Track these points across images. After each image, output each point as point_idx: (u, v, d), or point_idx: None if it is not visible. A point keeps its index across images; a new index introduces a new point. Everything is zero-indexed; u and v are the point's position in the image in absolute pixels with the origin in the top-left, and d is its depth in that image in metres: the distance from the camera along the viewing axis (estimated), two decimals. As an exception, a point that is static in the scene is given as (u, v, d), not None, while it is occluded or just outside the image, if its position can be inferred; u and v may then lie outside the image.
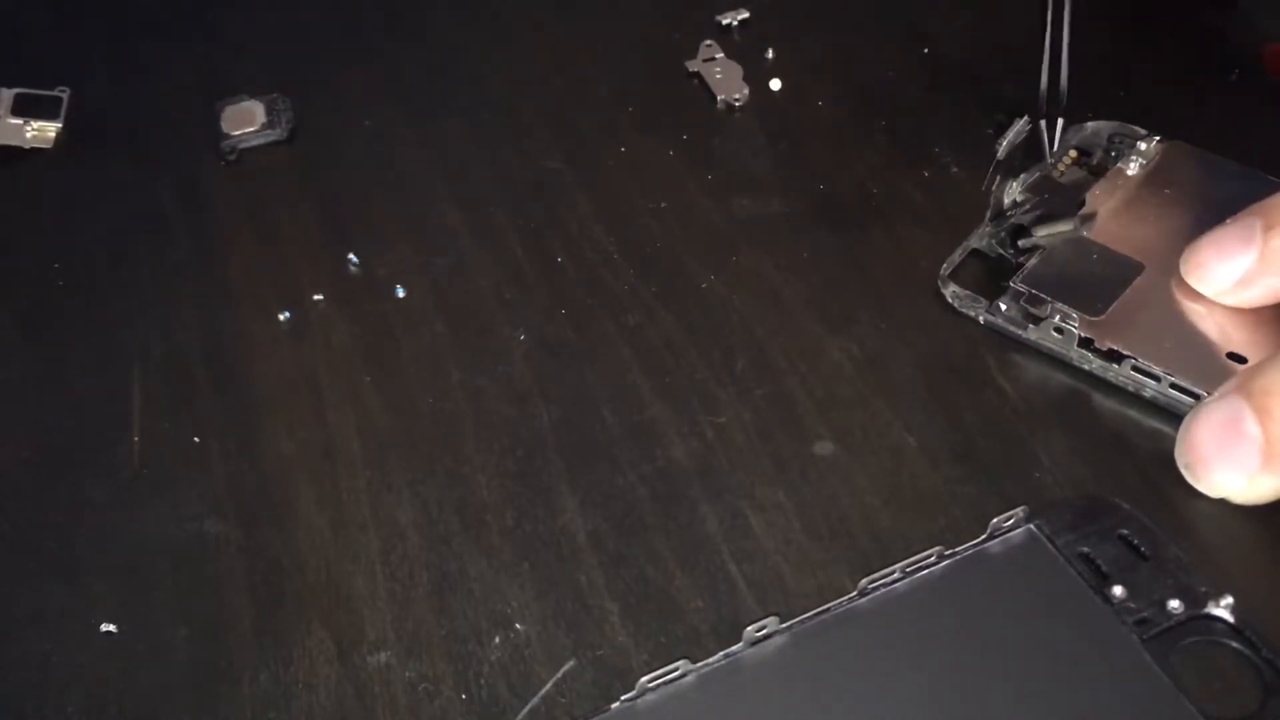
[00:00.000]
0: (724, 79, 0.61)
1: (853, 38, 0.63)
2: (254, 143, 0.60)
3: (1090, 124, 0.53)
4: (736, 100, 0.60)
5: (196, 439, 0.48)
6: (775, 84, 0.60)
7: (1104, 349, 0.46)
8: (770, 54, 0.62)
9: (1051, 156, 0.52)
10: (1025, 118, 0.51)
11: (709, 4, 0.64)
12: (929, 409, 0.47)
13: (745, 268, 0.53)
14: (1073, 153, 0.52)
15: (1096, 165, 0.52)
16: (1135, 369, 0.45)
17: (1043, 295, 0.47)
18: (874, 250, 0.53)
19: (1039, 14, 0.52)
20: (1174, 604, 0.39)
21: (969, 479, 0.45)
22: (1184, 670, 0.38)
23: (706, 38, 0.62)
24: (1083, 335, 0.46)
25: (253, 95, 0.61)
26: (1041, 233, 0.49)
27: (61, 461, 0.48)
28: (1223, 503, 0.43)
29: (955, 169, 0.56)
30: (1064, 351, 0.47)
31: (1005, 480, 0.45)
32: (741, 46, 0.62)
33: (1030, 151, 0.52)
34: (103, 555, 0.45)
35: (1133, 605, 0.40)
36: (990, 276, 0.50)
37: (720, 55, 0.62)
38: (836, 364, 0.49)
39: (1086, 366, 0.47)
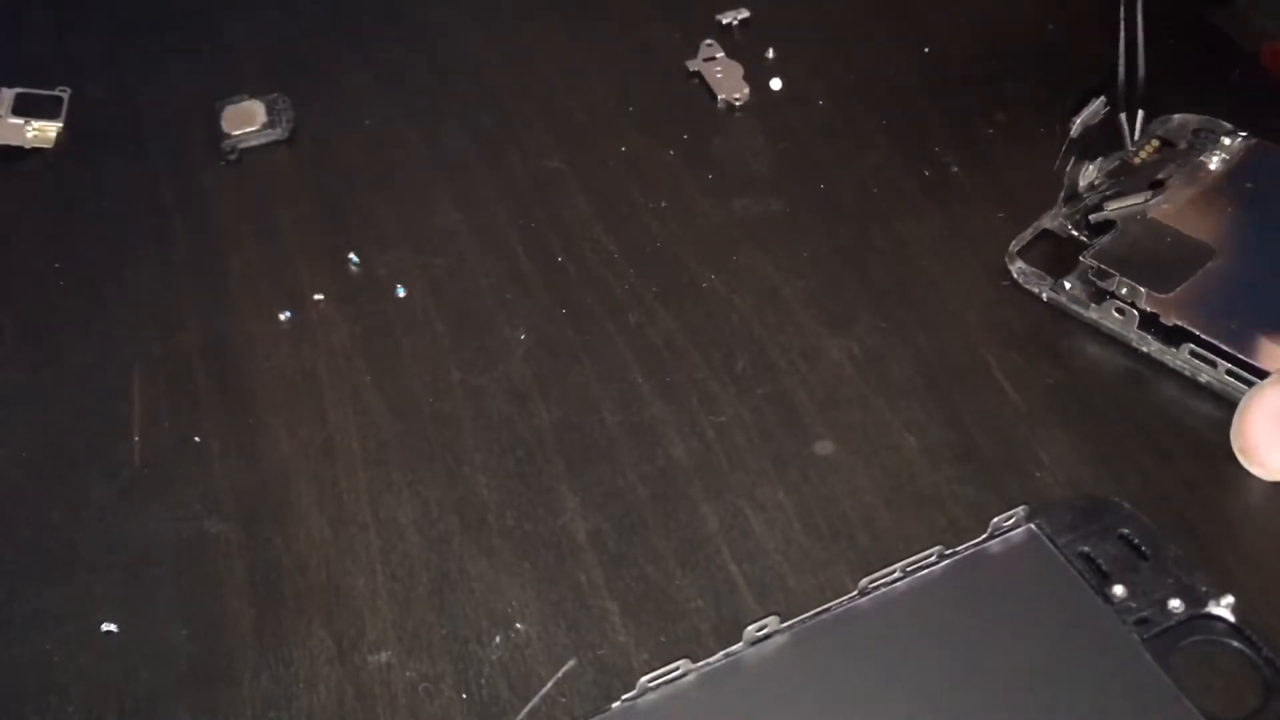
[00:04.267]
0: (724, 79, 0.60)
1: (853, 38, 0.63)
2: (254, 143, 0.60)
3: (1177, 116, 0.54)
4: (736, 100, 0.60)
5: (196, 439, 0.48)
6: (775, 84, 0.60)
7: (1169, 325, 0.46)
8: (770, 54, 0.62)
9: (1133, 145, 0.53)
10: (1102, 98, 0.52)
11: (709, 4, 0.64)
12: (929, 409, 0.47)
13: (745, 268, 0.53)
14: (1154, 142, 0.53)
15: (1179, 157, 0.52)
16: (1194, 354, 0.46)
17: (1111, 270, 0.47)
18: (874, 250, 0.53)
19: (1112, 11, 0.53)
20: (1174, 604, 0.39)
21: (969, 479, 0.45)
22: (1184, 670, 0.38)
23: (706, 37, 0.62)
24: (1148, 311, 0.46)
25: (253, 95, 0.61)
26: (1112, 206, 0.49)
27: (61, 461, 0.48)
28: (1222, 502, 0.43)
29: (955, 169, 0.56)
30: (1124, 332, 0.48)
31: (1005, 480, 0.45)
32: (741, 46, 0.62)
33: (1109, 139, 0.53)
34: (103, 555, 0.45)
35: (1133, 605, 0.40)
36: (1057, 258, 0.50)
37: (720, 55, 0.62)
38: (836, 364, 0.49)
39: (1145, 349, 0.47)
